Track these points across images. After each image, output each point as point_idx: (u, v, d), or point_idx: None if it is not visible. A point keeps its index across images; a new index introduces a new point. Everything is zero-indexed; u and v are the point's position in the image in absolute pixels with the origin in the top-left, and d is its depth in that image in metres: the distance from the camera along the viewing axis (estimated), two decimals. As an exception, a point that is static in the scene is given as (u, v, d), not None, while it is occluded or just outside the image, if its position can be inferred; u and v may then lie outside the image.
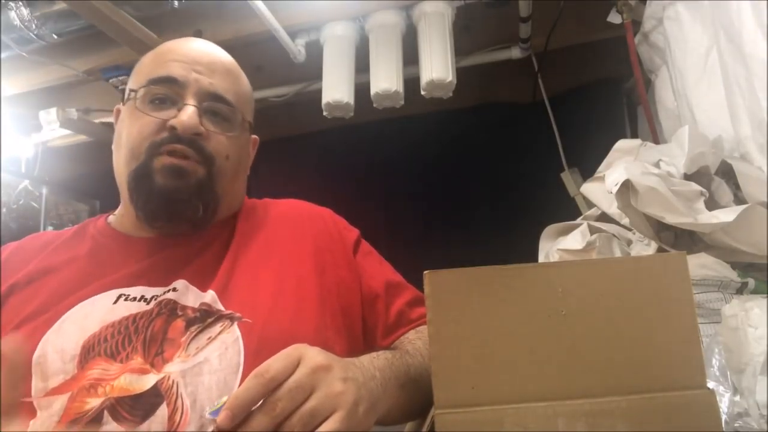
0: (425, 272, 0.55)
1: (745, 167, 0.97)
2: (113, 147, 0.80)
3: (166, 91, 0.75)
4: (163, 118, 0.73)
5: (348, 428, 0.53)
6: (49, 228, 2.51)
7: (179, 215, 0.75)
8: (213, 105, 0.76)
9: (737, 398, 0.68)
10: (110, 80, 1.90)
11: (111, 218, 0.84)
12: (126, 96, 0.79)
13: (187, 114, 0.73)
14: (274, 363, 0.54)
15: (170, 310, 0.68)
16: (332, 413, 0.53)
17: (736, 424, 0.66)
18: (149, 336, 0.65)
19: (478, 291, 0.55)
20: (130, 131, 0.75)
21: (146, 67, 0.78)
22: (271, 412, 0.51)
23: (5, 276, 0.74)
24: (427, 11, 1.66)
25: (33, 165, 2.42)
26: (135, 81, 0.79)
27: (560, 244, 1.12)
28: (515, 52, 1.86)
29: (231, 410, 0.51)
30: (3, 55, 1.74)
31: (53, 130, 2.15)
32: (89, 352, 0.63)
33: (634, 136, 1.93)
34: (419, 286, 0.63)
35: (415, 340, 0.79)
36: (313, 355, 0.56)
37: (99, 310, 0.68)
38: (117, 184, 0.80)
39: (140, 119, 0.74)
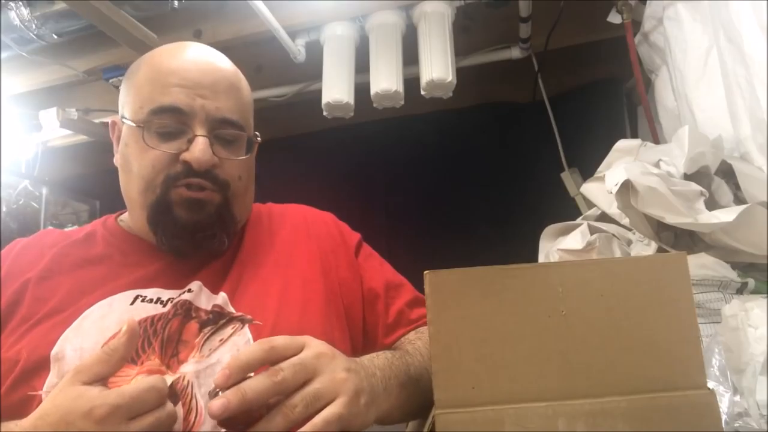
0: (425, 272, 0.55)
1: (745, 167, 0.97)
2: (118, 164, 0.78)
3: (173, 122, 0.72)
4: (174, 152, 0.72)
5: (349, 415, 0.54)
6: (49, 228, 2.50)
7: (204, 249, 0.75)
8: (222, 132, 0.75)
9: (737, 398, 0.68)
10: (110, 80, 1.89)
11: (121, 221, 0.84)
12: (127, 119, 0.75)
13: (199, 148, 0.71)
14: (278, 338, 0.56)
15: (185, 311, 0.69)
16: (335, 398, 0.54)
17: (736, 424, 0.66)
18: (166, 337, 0.66)
19: (478, 291, 0.55)
20: (141, 163, 0.73)
21: (145, 89, 0.74)
22: (273, 377, 0.52)
23: (20, 271, 0.74)
24: (427, 11, 1.66)
25: (33, 165, 2.41)
26: (134, 103, 0.74)
27: (560, 244, 1.12)
28: (515, 52, 1.86)
29: (229, 369, 0.52)
30: (3, 55, 1.74)
31: (53, 130, 2.14)
32: None
33: (634, 136, 1.93)
34: (419, 286, 0.63)
35: (415, 340, 0.80)
36: (317, 344, 0.58)
37: (117, 311, 0.69)
38: (126, 203, 0.79)
39: (150, 151, 0.72)
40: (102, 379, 0.53)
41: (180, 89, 0.72)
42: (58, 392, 0.52)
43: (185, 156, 0.71)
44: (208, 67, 0.76)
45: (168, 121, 0.72)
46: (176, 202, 0.72)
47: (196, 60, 0.76)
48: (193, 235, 0.73)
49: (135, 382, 0.52)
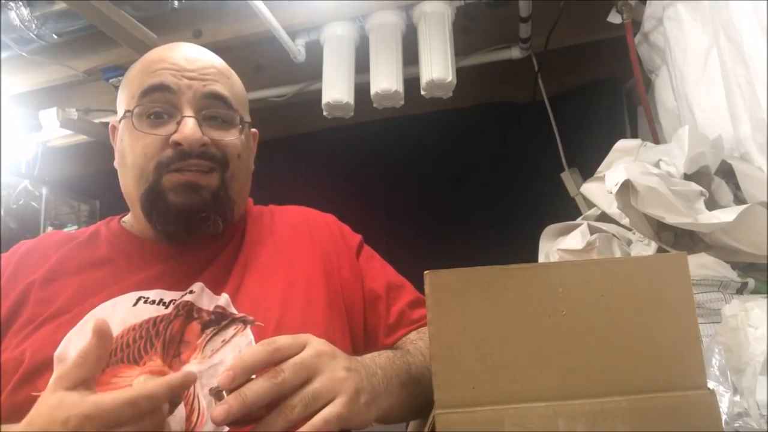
0: (425, 272, 0.55)
1: (745, 167, 0.97)
2: (117, 165, 0.79)
3: (161, 103, 0.73)
4: (164, 135, 0.72)
5: (348, 414, 0.54)
6: (49, 228, 2.50)
7: (200, 232, 0.75)
8: (211, 111, 0.75)
9: (737, 398, 0.68)
10: (110, 80, 1.90)
11: (124, 222, 0.84)
12: (121, 115, 0.77)
13: (188, 127, 0.71)
14: (282, 338, 0.56)
15: (187, 312, 0.69)
16: (334, 398, 0.54)
17: (736, 424, 0.66)
18: (168, 338, 0.66)
19: (478, 291, 0.55)
20: (133, 151, 0.73)
21: (135, 80, 0.75)
22: (273, 379, 0.52)
23: (24, 273, 0.74)
24: (427, 11, 1.66)
25: (33, 165, 2.41)
26: (127, 96, 0.76)
27: (560, 244, 1.12)
28: (515, 52, 1.86)
29: (233, 370, 0.52)
30: (3, 55, 1.74)
31: (53, 130, 2.14)
32: (111, 356, 0.64)
33: (634, 136, 1.93)
34: (419, 286, 0.63)
35: (416, 340, 0.80)
36: (319, 342, 0.58)
37: (120, 312, 0.69)
38: (126, 201, 0.80)
39: (141, 139, 0.72)
40: (84, 382, 0.51)
41: (167, 71, 0.74)
42: (42, 400, 0.52)
43: (174, 137, 0.71)
44: (197, 54, 0.78)
45: (156, 102, 0.73)
46: (169, 188, 0.72)
47: (185, 52, 0.78)
48: (187, 220, 0.73)
49: (117, 392, 0.50)
